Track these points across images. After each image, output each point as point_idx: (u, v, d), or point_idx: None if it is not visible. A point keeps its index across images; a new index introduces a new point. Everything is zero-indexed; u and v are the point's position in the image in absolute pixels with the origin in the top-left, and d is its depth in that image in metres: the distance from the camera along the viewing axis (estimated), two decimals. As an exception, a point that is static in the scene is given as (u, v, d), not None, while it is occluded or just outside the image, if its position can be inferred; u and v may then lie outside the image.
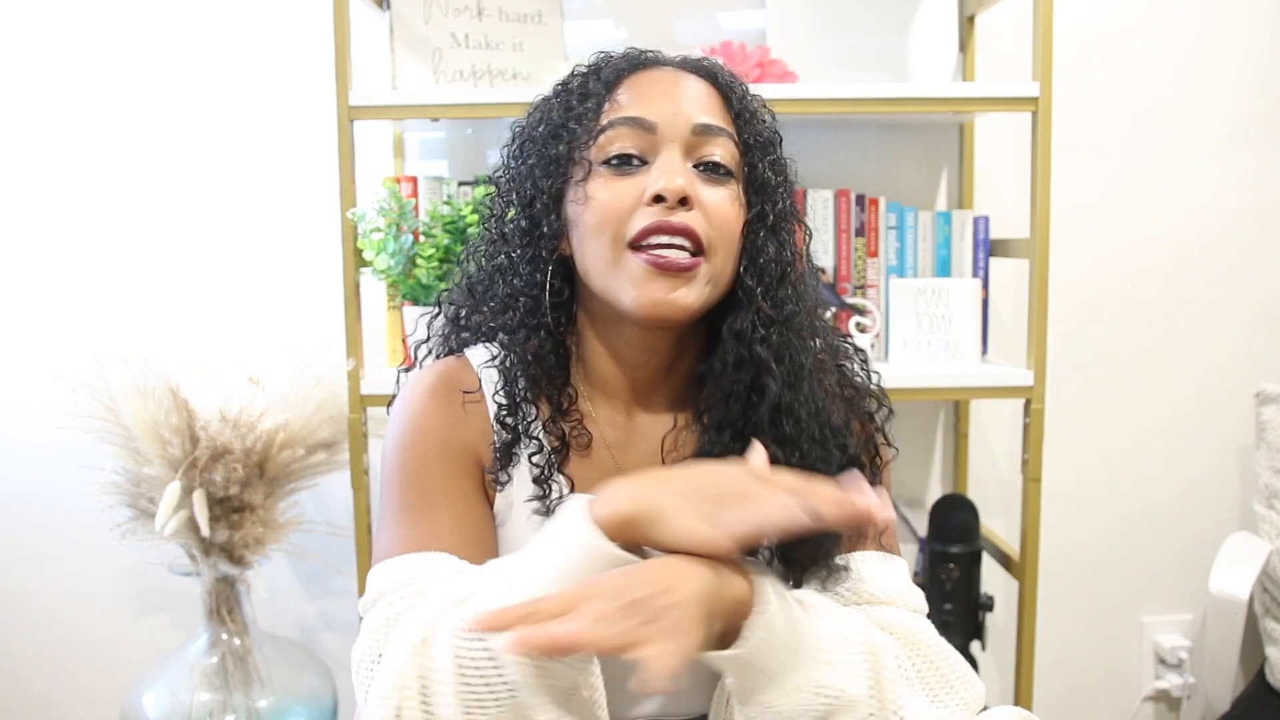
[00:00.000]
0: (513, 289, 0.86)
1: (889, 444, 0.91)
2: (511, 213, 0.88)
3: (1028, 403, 1.45)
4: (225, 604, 1.55)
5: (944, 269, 1.62)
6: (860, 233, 1.62)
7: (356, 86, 1.41)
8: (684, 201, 0.78)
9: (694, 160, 0.81)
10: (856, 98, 1.43)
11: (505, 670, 0.67)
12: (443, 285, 1.46)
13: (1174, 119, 1.79)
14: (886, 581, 0.84)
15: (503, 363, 0.86)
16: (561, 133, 0.83)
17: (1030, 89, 1.41)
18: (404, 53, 1.50)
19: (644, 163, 0.81)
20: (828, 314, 1.61)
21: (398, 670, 0.69)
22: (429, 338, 0.96)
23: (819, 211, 1.60)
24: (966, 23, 1.70)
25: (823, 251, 1.61)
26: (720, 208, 0.80)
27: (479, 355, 0.89)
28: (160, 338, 1.74)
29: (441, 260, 1.46)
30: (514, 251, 0.87)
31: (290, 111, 1.74)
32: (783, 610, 0.73)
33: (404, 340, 1.55)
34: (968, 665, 0.83)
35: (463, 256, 0.95)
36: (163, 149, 1.75)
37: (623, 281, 0.79)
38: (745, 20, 1.71)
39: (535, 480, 0.84)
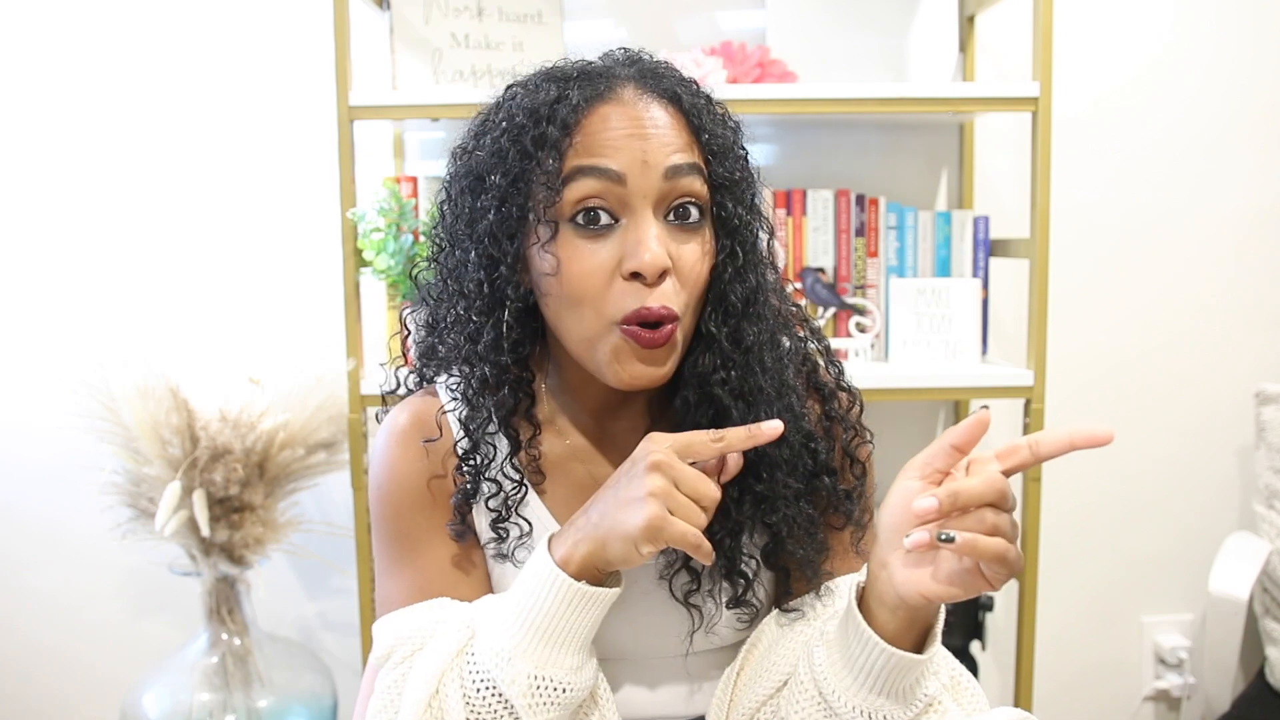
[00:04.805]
0: (472, 342, 0.82)
1: (865, 440, 0.89)
2: (468, 263, 0.81)
3: (1028, 403, 1.45)
4: (225, 604, 1.55)
5: (944, 269, 1.62)
6: (860, 233, 1.62)
7: (356, 86, 1.41)
8: (664, 273, 0.75)
9: (666, 208, 0.76)
10: (856, 98, 1.43)
11: (515, 710, 0.73)
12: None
13: (1174, 118, 1.79)
14: None
15: (462, 403, 0.84)
16: (519, 186, 0.77)
17: (1030, 89, 1.41)
18: (404, 53, 1.50)
19: (614, 219, 0.75)
20: (825, 314, 1.61)
21: None
22: (405, 362, 0.96)
23: (819, 211, 1.60)
24: (966, 23, 1.69)
25: (823, 251, 1.61)
26: (692, 264, 0.77)
27: (445, 392, 0.87)
28: (160, 338, 1.75)
29: (441, 260, 1.46)
30: (473, 306, 0.81)
31: (290, 111, 1.74)
32: (939, 627, 0.75)
33: (403, 341, 1.55)
34: (971, 676, 0.83)
35: (420, 290, 0.92)
36: (163, 149, 1.75)
37: (604, 356, 0.77)
38: (745, 20, 1.71)
39: (492, 525, 0.83)
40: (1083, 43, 1.75)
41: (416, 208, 1.53)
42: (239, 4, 1.73)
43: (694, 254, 0.77)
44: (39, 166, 1.76)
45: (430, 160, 1.77)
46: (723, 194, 0.79)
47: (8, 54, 1.73)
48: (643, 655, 0.87)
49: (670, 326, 0.75)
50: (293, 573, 1.83)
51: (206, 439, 1.45)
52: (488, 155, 0.78)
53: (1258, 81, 1.79)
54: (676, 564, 0.83)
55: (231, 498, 1.47)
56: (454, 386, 0.86)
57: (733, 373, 0.80)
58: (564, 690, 0.73)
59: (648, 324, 0.75)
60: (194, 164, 1.76)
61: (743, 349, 0.80)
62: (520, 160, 0.76)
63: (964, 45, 1.70)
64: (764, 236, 0.84)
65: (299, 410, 1.51)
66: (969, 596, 0.69)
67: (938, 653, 0.76)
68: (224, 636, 1.55)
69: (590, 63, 0.81)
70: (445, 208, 0.84)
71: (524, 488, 0.83)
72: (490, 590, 0.85)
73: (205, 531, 1.44)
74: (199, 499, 1.43)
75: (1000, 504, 0.67)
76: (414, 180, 1.55)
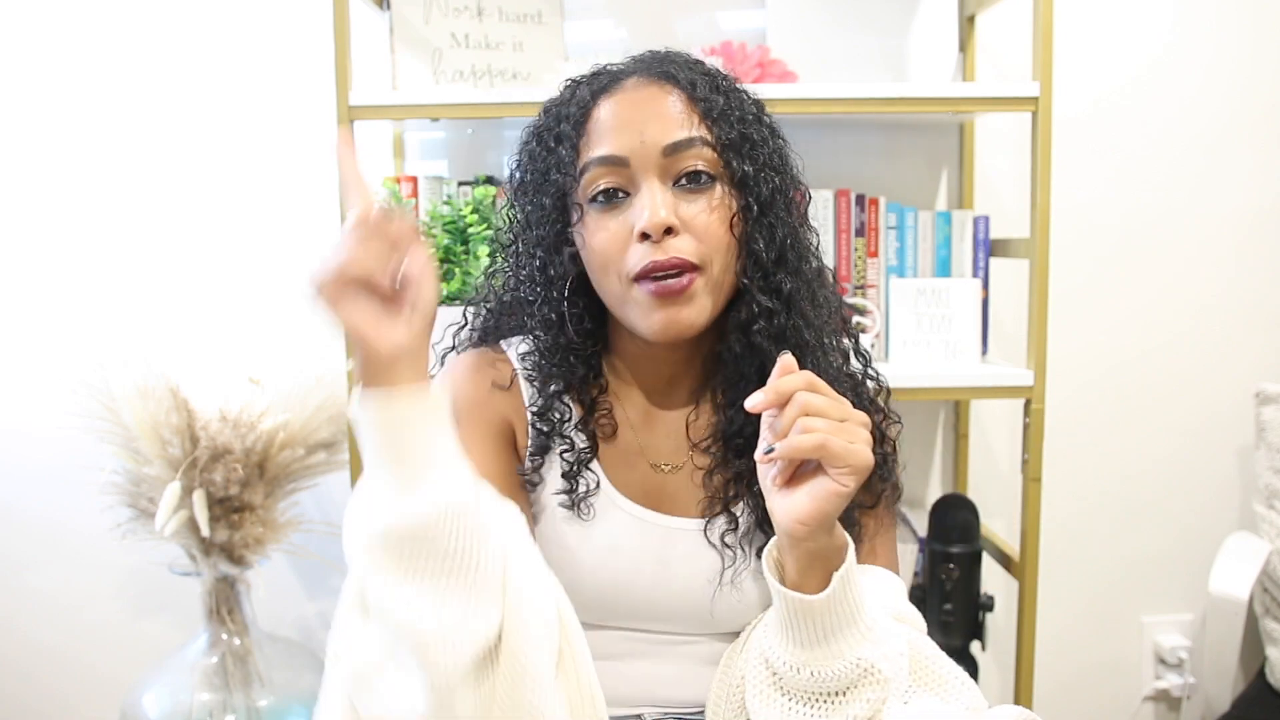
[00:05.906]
0: (539, 322, 0.93)
1: (894, 420, 0.96)
2: (526, 254, 0.94)
3: (1028, 403, 1.45)
4: (225, 604, 1.55)
5: (944, 269, 1.62)
6: (860, 233, 1.62)
7: (356, 86, 1.41)
8: (669, 230, 0.82)
9: (673, 177, 0.85)
10: (856, 98, 1.43)
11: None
12: (444, 285, 1.46)
13: (1174, 118, 1.79)
14: (888, 603, 0.86)
15: (535, 367, 0.93)
16: (547, 180, 0.89)
17: (1030, 89, 1.41)
18: (404, 53, 1.50)
19: (627, 193, 0.85)
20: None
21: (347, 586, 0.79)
22: (454, 346, 1.01)
23: (819, 211, 1.60)
24: (966, 23, 1.69)
25: (823, 251, 1.61)
26: (704, 221, 0.84)
27: (516, 347, 0.96)
28: (160, 338, 1.74)
29: (442, 260, 1.46)
30: (534, 291, 0.93)
31: (290, 111, 1.74)
32: (855, 581, 0.78)
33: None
34: (969, 677, 0.84)
35: (487, 274, 1.02)
36: (162, 149, 1.75)
37: (634, 312, 0.85)
38: (745, 20, 1.71)
39: (564, 475, 0.90)
40: (1083, 43, 1.75)
41: (416, 208, 1.53)
42: (239, 4, 1.73)
43: (702, 209, 0.84)
44: (39, 167, 1.75)
45: (430, 160, 1.77)
46: (728, 154, 0.86)
47: (7, 54, 1.73)
48: (670, 615, 0.91)
49: (690, 276, 0.82)
50: (293, 573, 1.83)
51: (206, 439, 1.45)
52: (525, 156, 0.92)
53: (1258, 81, 1.79)
54: (718, 506, 0.90)
55: (231, 498, 1.47)
56: (523, 355, 0.94)
57: (772, 320, 0.86)
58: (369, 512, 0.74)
59: (662, 275, 0.82)
60: (194, 164, 1.76)
61: (782, 298, 0.87)
62: (545, 156, 0.89)
63: (964, 45, 1.70)
64: (795, 199, 0.91)
65: (299, 410, 1.50)
66: (832, 506, 0.74)
67: (872, 619, 0.78)
68: (224, 636, 1.55)
69: (611, 64, 0.91)
70: (506, 210, 0.97)
71: (596, 444, 0.91)
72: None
73: (205, 531, 1.43)
74: (199, 499, 1.43)
75: (811, 412, 0.74)
76: (414, 180, 1.55)
